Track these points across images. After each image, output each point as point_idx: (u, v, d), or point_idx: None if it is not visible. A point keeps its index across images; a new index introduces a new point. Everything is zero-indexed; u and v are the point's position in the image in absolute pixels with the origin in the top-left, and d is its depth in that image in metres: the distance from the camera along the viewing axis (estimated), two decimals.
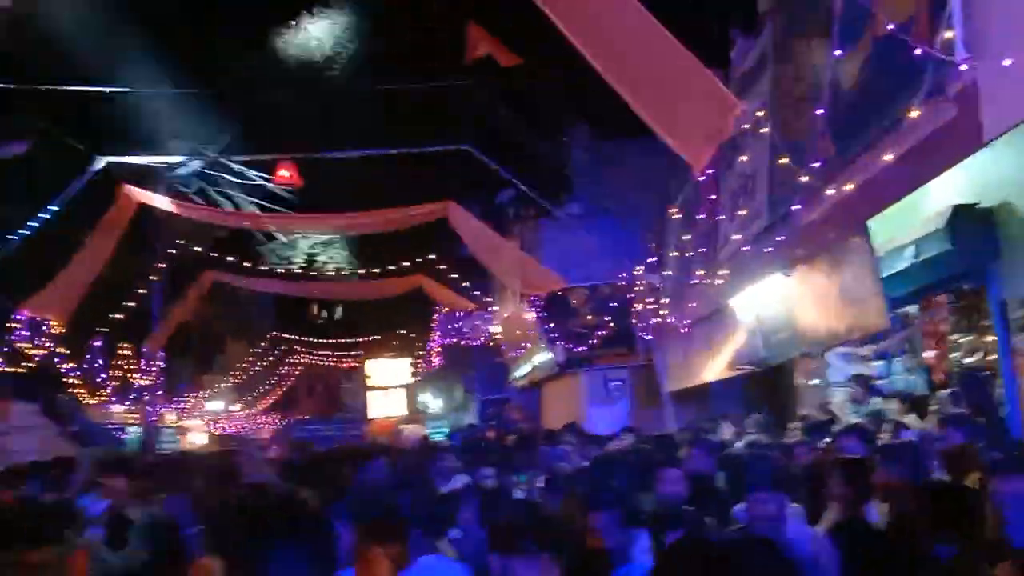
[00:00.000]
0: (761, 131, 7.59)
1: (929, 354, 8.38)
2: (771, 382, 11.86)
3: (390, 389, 28.41)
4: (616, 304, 13.70)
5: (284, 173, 12.05)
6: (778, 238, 7.25)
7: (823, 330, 7.45)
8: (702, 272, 8.52)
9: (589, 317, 14.32)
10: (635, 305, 12.95)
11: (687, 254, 8.62)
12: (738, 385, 12.48)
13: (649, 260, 11.62)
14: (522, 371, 18.77)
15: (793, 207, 6.73)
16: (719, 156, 8.70)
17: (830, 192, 5.99)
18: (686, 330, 10.32)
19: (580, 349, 14.44)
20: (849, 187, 5.75)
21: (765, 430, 8.93)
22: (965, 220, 6.08)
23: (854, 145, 5.76)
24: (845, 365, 9.84)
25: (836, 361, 9.97)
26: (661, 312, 10.95)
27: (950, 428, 4.96)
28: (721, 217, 8.43)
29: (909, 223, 7.40)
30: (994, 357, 6.76)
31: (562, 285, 13.89)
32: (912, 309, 8.24)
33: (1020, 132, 4.59)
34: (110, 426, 21.00)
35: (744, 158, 8.14)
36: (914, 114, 4.74)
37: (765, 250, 7.51)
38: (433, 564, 3.68)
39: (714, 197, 8.46)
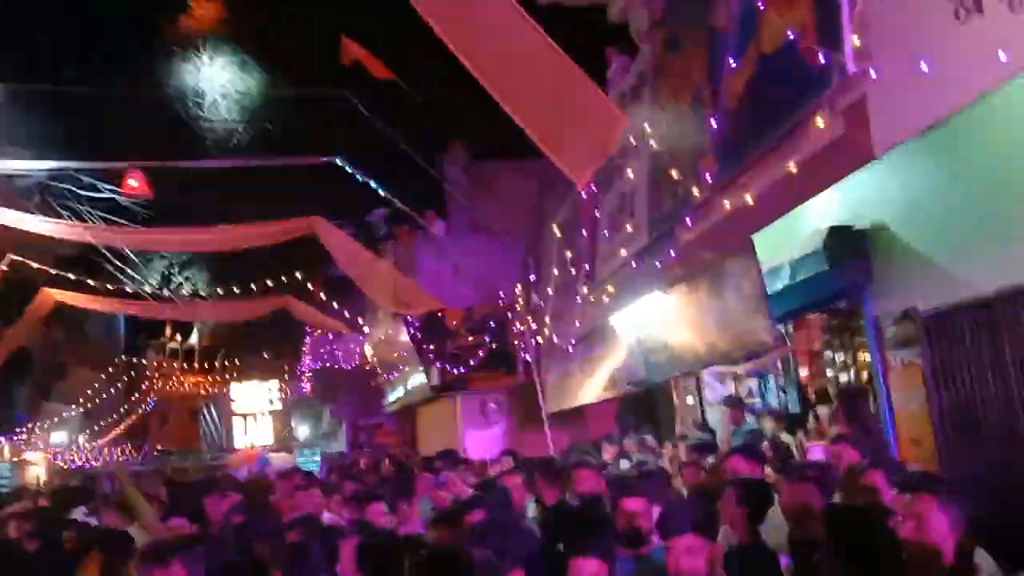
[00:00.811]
0: (641, 149, 7.52)
1: (803, 372, 8.53)
2: (649, 401, 11.88)
3: (257, 416, 27.01)
4: (494, 324, 13.42)
5: (132, 183, 11.04)
6: (658, 257, 7.15)
7: (704, 349, 7.40)
8: (584, 290, 8.35)
9: (468, 338, 13.97)
10: (515, 324, 12.71)
11: (569, 270, 8.43)
12: (618, 406, 12.46)
13: (530, 277, 11.40)
14: (396, 395, 18.18)
15: (674, 225, 6.65)
16: (599, 175, 8.63)
17: (714, 208, 5.92)
18: (571, 349, 10.13)
19: (457, 371, 14.05)
20: (733, 202, 5.68)
21: (648, 450, 8.85)
22: (840, 241, 6.15)
23: (739, 160, 5.71)
24: (719, 384, 9.95)
25: (711, 380, 10.06)
26: (544, 330, 10.74)
27: (844, 446, 4.91)
28: (603, 233, 8.30)
29: (785, 244, 7.51)
30: (867, 375, 6.90)
31: (438, 305, 13.46)
32: (787, 328, 8.36)
33: (895, 152, 4.63)
34: None
35: (624, 177, 8.06)
36: (803, 129, 4.69)
37: (645, 268, 7.41)
38: None
39: (596, 214, 8.32)
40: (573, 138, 6.34)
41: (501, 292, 12.75)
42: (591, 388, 10.64)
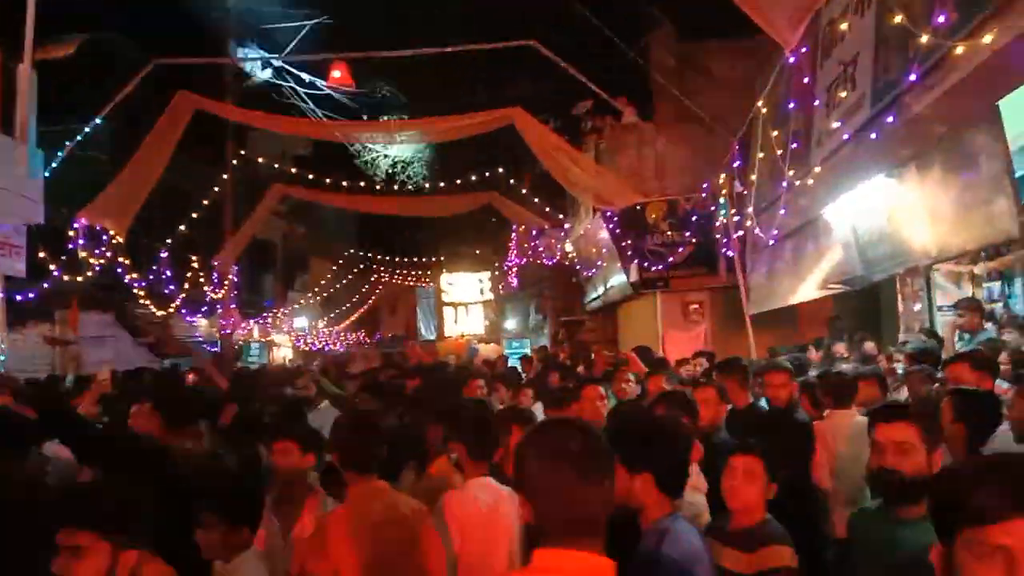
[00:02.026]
0: (862, 4, 6.34)
1: None
2: (868, 304, 10.68)
3: (468, 305, 27.93)
4: (697, 219, 12.58)
5: (336, 74, 11.31)
6: (883, 131, 6.06)
7: (935, 241, 6.31)
8: (793, 173, 7.36)
9: (667, 234, 13.25)
10: (718, 218, 11.80)
11: (777, 153, 7.46)
12: (832, 309, 11.35)
13: (734, 164, 10.39)
14: (597, 292, 17.91)
15: (903, 92, 5.55)
16: (813, 40, 7.48)
17: (951, 66, 4.81)
18: (774, 243, 9.19)
19: (656, 268, 13.44)
20: (975, 56, 4.57)
21: (864, 356, 7.92)
22: None
23: (983, 3, 4.55)
24: (953, 286, 8.62)
25: (944, 280, 8.75)
26: (746, 224, 9.81)
27: None
28: (816, 105, 7.22)
29: None
30: None
31: (638, 199, 12.84)
32: None
33: None
34: (196, 338, 21.44)
35: (844, 42, 6.90)
36: None
37: (867, 147, 6.35)
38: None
39: (807, 80, 7.22)
40: None
41: (706, 184, 11.85)
42: (800, 287, 9.67)
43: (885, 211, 7.00)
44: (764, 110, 8.16)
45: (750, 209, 9.39)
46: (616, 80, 13.82)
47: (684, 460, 2.98)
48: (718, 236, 12.13)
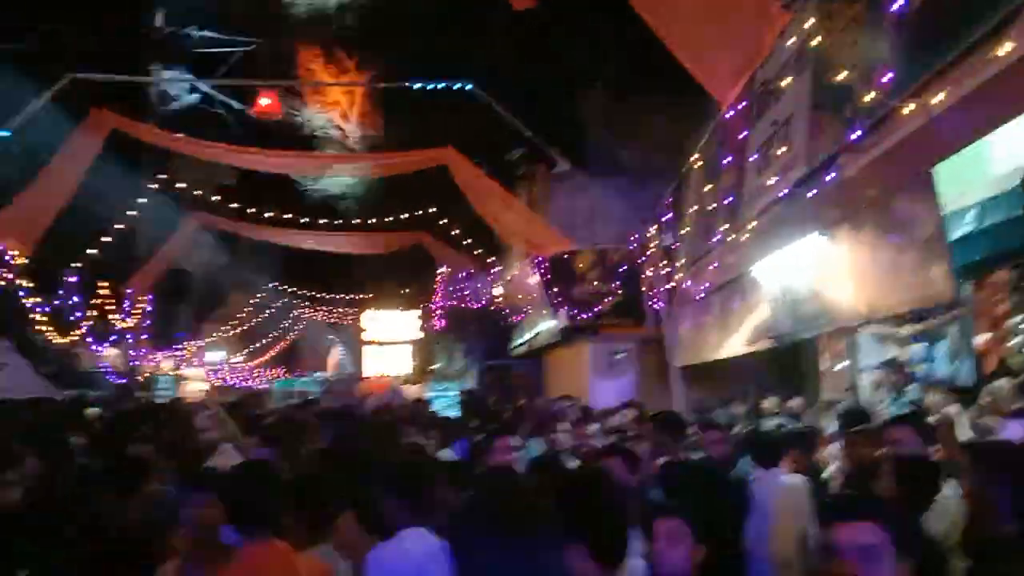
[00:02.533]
0: (801, 62, 6.44)
1: (981, 339, 7.25)
2: (791, 362, 10.79)
3: (391, 345, 27.23)
4: (625, 269, 12.59)
5: (265, 101, 10.98)
6: (816, 190, 6.11)
7: (865, 302, 6.34)
8: (725, 228, 7.37)
9: (596, 283, 13.23)
10: (646, 270, 11.84)
11: (709, 207, 7.48)
12: (754, 365, 11.44)
13: (664, 219, 10.46)
14: (524, 337, 17.77)
15: (838, 152, 5.60)
16: (749, 99, 7.58)
17: (888, 129, 4.85)
18: (702, 297, 9.21)
19: (585, 316, 13.38)
20: (912, 121, 4.61)
21: (789, 414, 7.92)
22: None
23: (922, 68, 4.61)
24: (878, 346, 8.76)
25: (868, 342, 8.89)
26: (675, 277, 9.83)
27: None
28: (750, 162, 7.27)
29: (972, 181, 6.28)
30: None
31: (568, 246, 12.81)
32: (965, 285, 7.10)
33: None
34: (103, 368, 20.30)
35: (780, 100, 6.99)
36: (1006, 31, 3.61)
37: (799, 205, 6.39)
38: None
39: (742, 137, 7.28)
40: (719, 41, 5.44)
41: (634, 236, 11.90)
42: (727, 342, 9.69)
43: (815, 270, 7.05)
44: (698, 163, 8.22)
45: (680, 263, 9.41)
46: (551, 129, 13.90)
47: (622, 523, 2.74)
48: (644, 289, 12.16)
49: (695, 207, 8.56)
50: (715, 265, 8.28)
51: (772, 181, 6.47)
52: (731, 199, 7.46)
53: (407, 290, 25.65)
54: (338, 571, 3.35)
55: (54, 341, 14.25)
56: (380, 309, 27.12)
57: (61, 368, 16.66)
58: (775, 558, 4.69)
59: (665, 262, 10.70)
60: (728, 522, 4.02)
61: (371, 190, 24.24)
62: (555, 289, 13.41)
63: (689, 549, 2.99)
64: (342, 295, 27.31)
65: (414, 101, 15.53)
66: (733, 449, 5.45)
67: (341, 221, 18.42)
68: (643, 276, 12.18)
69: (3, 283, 10.96)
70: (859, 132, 4.97)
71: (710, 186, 7.80)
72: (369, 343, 27.40)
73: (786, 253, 7.29)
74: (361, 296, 26.67)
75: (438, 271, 20.29)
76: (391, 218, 16.42)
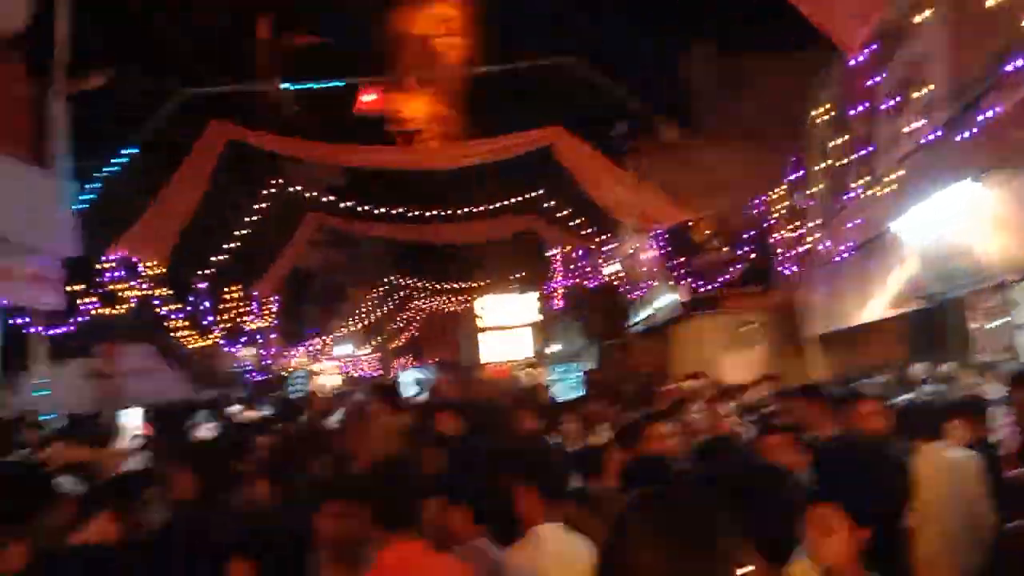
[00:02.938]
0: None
1: None
2: (937, 324, 9.95)
3: (509, 329, 26.98)
4: (750, 235, 11.96)
5: (367, 98, 11.02)
6: (962, 135, 5.49)
7: (1022, 254, 5.69)
8: (862, 182, 6.78)
9: (718, 252, 12.65)
10: (774, 235, 11.19)
11: (841, 162, 6.90)
12: (897, 329, 10.64)
13: (791, 177, 9.81)
14: (644, 314, 17.31)
15: (988, 89, 4.99)
16: (877, 40, 6.93)
17: None
18: (840, 259, 8.57)
19: (708, 288, 12.83)
20: None
21: (942, 379, 7.26)
22: None
23: None
24: None
25: None
26: (808, 239, 9.20)
27: None
28: (883, 110, 6.65)
29: None
30: None
31: (686, 216, 12.30)
32: None
33: None
34: (243, 367, 21.31)
35: (913, 38, 6.35)
36: None
37: (943, 153, 5.77)
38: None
39: (875, 80, 6.65)
40: None
41: (757, 199, 11.27)
42: (867, 306, 9.01)
43: (966, 221, 6.39)
44: (824, 116, 7.61)
45: (812, 223, 8.79)
46: (658, 97, 13.39)
47: (795, 518, 2.43)
48: (775, 253, 11.50)
49: (825, 163, 7.95)
50: (853, 223, 7.66)
51: (913, 126, 5.87)
52: (866, 150, 6.86)
53: (521, 274, 25.59)
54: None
55: (192, 345, 14.97)
56: (495, 294, 27.07)
57: (202, 370, 17.52)
58: (942, 540, 4.23)
59: (795, 224, 10.06)
60: (890, 504, 3.59)
61: (477, 178, 24.33)
62: (674, 261, 12.92)
63: (846, 536, 2.66)
64: (457, 283, 27.60)
65: (513, 86, 15.33)
66: (889, 423, 4.96)
67: (450, 212, 18.56)
68: (771, 241, 11.53)
69: (141, 294, 11.51)
70: (1019, 62, 4.38)
71: (841, 139, 7.20)
72: (486, 329, 27.34)
73: (932, 204, 6.64)
74: (474, 284, 26.81)
75: (551, 253, 20.09)
76: (499, 204, 16.35)
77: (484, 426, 5.83)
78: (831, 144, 7.14)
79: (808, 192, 8.85)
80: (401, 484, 3.04)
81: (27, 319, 9.67)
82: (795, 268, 10.88)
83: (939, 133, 5.55)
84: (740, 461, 2.93)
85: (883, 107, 6.75)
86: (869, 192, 6.82)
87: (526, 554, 3.15)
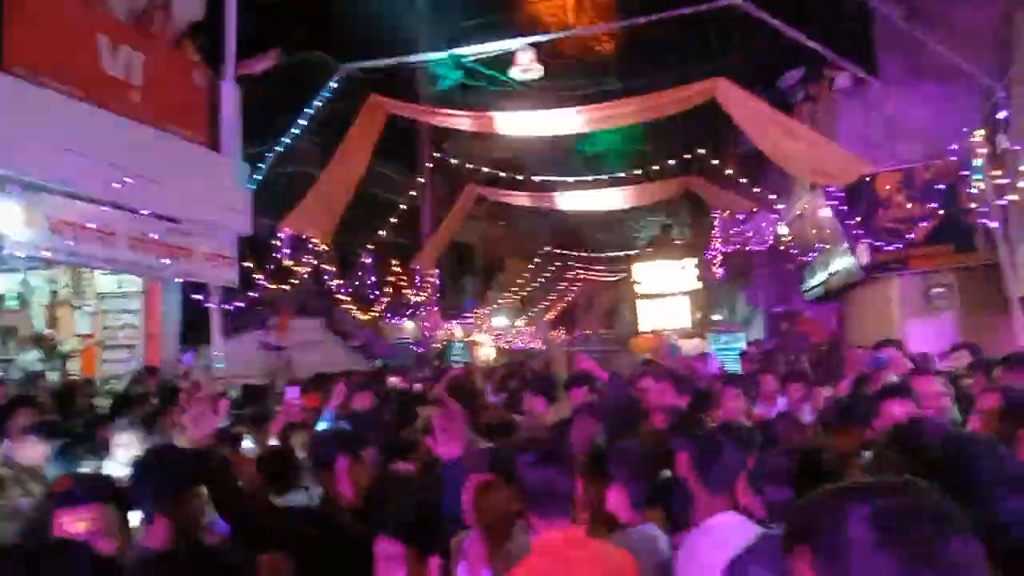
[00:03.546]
0: None
1: None
2: None
3: (667, 297, 26.22)
4: (943, 187, 10.72)
5: (525, 57, 10.70)
6: None
7: None
8: None
9: (905, 207, 11.46)
10: (972, 185, 9.95)
11: None
12: None
13: (997, 116, 8.62)
14: (817, 279, 16.16)
15: None
16: None
17: None
18: None
19: (892, 248, 11.67)
20: None
21: None
22: None
23: None
24: None
25: None
26: (1016, 187, 8.07)
27: None
28: None
29: None
30: None
31: (867, 169, 11.19)
32: None
33: None
34: (404, 340, 21.99)
35: None
36: None
37: None
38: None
39: None
40: None
41: (954, 145, 10.03)
42: None
43: None
44: None
45: (1021, 168, 7.67)
46: (833, 38, 12.22)
47: None
48: (973, 205, 10.24)
49: None
50: None
51: None
52: None
53: (680, 239, 24.78)
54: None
55: (358, 318, 15.46)
56: (653, 260, 26.40)
57: (367, 342, 18.15)
58: None
59: (999, 172, 8.87)
60: None
61: (635, 140, 23.61)
62: (853, 220, 11.84)
63: None
64: (614, 252, 27.13)
65: (673, 35, 14.58)
66: None
67: (607, 177, 18.09)
68: (967, 192, 10.28)
69: (309, 269, 11.91)
70: None
71: None
72: (643, 296, 26.60)
73: None
74: (631, 252, 26.27)
75: (713, 215, 19.15)
76: (658, 167, 15.71)
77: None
78: None
79: (1017, 132, 7.70)
80: (553, 465, 2.74)
81: (205, 295, 10.20)
82: (997, 222, 9.63)
83: None
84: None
85: None
86: None
87: (704, 546, 2.76)
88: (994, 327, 10.48)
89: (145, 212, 9.02)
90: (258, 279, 11.01)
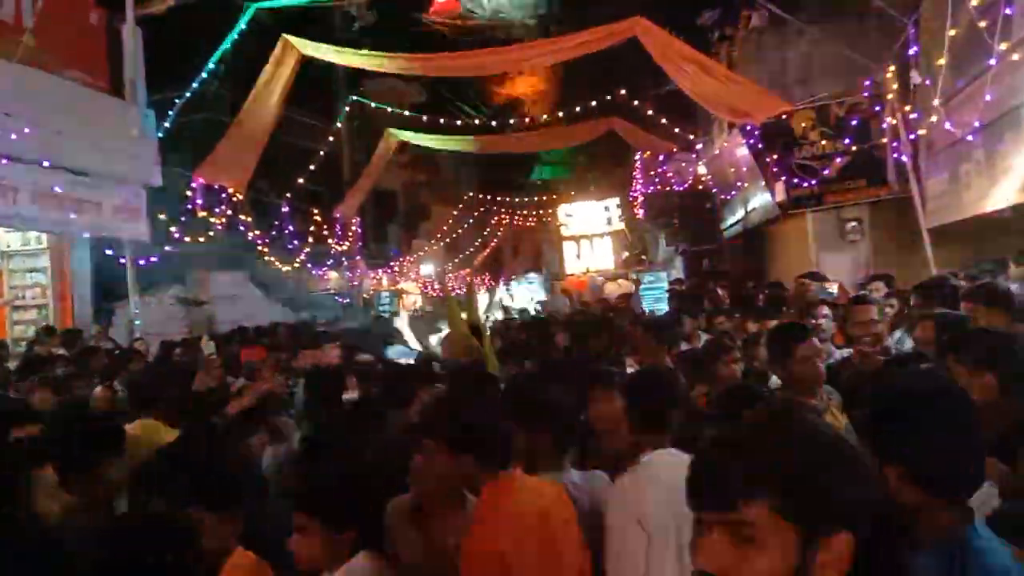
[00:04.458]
0: None
1: None
2: None
3: (591, 238, 26.24)
4: (856, 123, 10.99)
5: None
6: None
7: None
8: (996, 49, 5.92)
9: (819, 144, 11.72)
10: (884, 120, 10.22)
11: (974, 24, 6.02)
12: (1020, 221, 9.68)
13: (908, 52, 8.83)
14: (736, 217, 16.52)
15: None
16: None
17: None
18: (964, 139, 7.70)
19: (808, 184, 11.97)
20: None
21: None
22: None
23: None
24: None
25: None
26: (926, 122, 8.31)
27: None
28: None
29: None
30: None
31: (783, 107, 11.37)
32: None
33: None
34: (328, 291, 21.61)
35: None
36: None
37: None
38: None
39: None
40: None
41: (867, 81, 10.26)
42: (994, 192, 8.15)
43: None
44: None
45: (933, 103, 7.89)
46: None
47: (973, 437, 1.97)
48: (885, 140, 10.54)
49: (952, 31, 7.03)
50: (982, 98, 6.79)
51: None
52: (1007, 10, 5.96)
53: (603, 180, 24.87)
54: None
55: (281, 270, 15.09)
56: (575, 202, 26.36)
57: (292, 294, 17.76)
58: None
59: (910, 107, 9.13)
60: None
61: (555, 83, 23.43)
62: (771, 158, 12.07)
63: None
64: (538, 195, 27.08)
65: None
66: None
67: (529, 119, 17.93)
68: (881, 127, 10.56)
69: (224, 220, 11.52)
70: None
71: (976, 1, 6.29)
72: (568, 239, 26.70)
73: None
74: (554, 196, 26.25)
75: (635, 156, 19.27)
76: (578, 108, 15.66)
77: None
78: (967, 2, 6.19)
79: (927, 67, 7.91)
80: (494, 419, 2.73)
81: (117, 251, 9.78)
82: (907, 156, 9.96)
83: None
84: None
85: None
86: (1007, 59, 5.95)
87: (637, 485, 2.81)
88: (905, 258, 10.90)
89: (47, 164, 8.51)
90: (172, 232, 10.58)
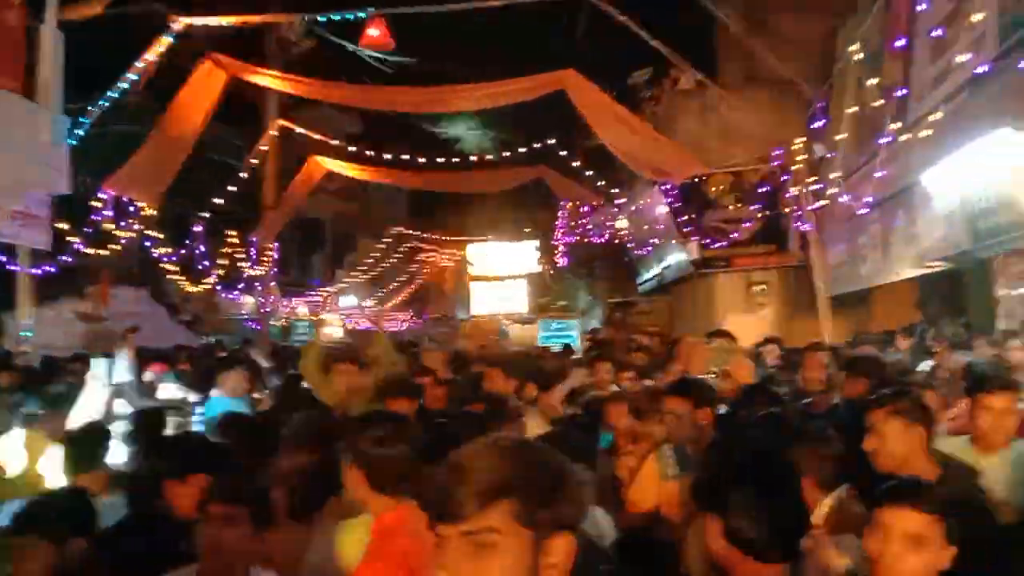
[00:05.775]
0: None
1: None
2: (958, 288, 9.52)
3: (504, 279, 25.12)
4: (766, 190, 11.46)
5: (373, 32, 10.43)
6: (1012, 74, 5.00)
7: None
8: (891, 129, 6.30)
9: (731, 207, 12.17)
10: (790, 190, 10.70)
11: (873, 104, 6.40)
12: (914, 292, 10.21)
13: (814, 126, 9.29)
14: (652, 272, 16.90)
15: None
16: None
17: None
18: (861, 213, 8.10)
19: (719, 246, 12.38)
20: None
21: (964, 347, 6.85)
22: None
23: None
24: None
25: None
26: (827, 194, 8.73)
27: None
28: (922, 55, 6.13)
29: None
30: None
31: (700, 169, 11.79)
32: None
33: None
34: (241, 316, 21.04)
35: None
36: None
37: (989, 95, 5.29)
38: None
39: (921, 6, 6.10)
40: None
41: (778, 151, 10.74)
42: (888, 266, 8.58)
43: (1004, 174, 5.92)
44: (858, 55, 7.07)
45: (833, 175, 8.30)
46: (679, 41, 12.78)
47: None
48: (789, 209, 11.03)
49: (854, 108, 7.44)
50: (878, 174, 7.19)
51: (961, 59, 5.36)
52: (901, 92, 6.36)
53: (528, 228, 25.03)
54: None
55: (187, 290, 14.64)
56: (488, 242, 25.19)
57: (197, 316, 17.24)
58: None
59: (814, 178, 9.58)
60: None
61: (490, 126, 23.65)
62: (685, 217, 12.45)
63: None
64: (464, 236, 27.07)
65: (523, 25, 14.72)
66: None
67: (458, 160, 18.06)
68: (787, 196, 11.05)
69: (132, 235, 11.15)
70: None
71: (874, 80, 6.69)
72: (477, 279, 25.56)
73: (966, 155, 6.16)
74: (474, 236, 26.12)
75: (559, 203, 19.57)
76: (509, 153, 15.86)
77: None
78: (866, 83, 6.59)
79: (835, 139, 8.33)
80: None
81: (10, 257, 9.34)
82: (811, 225, 10.43)
83: (987, 68, 5.05)
84: None
85: (920, 53, 6.23)
86: (900, 139, 6.34)
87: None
88: (806, 324, 11.32)
89: None
90: (74, 243, 10.16)
